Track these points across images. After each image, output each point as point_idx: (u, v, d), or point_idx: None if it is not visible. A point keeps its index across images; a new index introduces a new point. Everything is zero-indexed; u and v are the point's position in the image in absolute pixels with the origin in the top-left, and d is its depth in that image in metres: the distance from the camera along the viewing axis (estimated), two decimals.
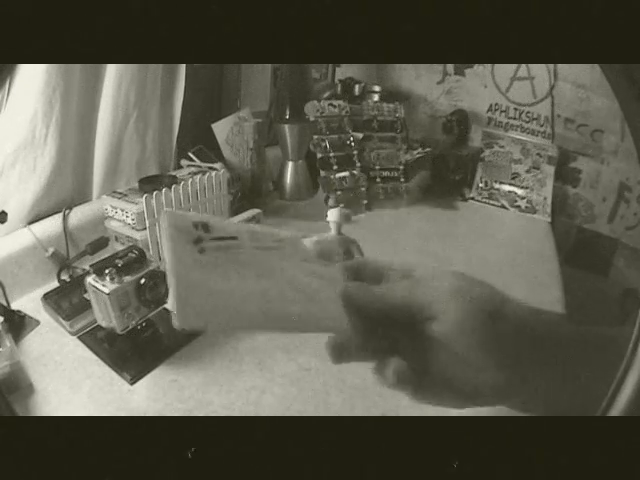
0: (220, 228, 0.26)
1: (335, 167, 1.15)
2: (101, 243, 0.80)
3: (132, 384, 0.61)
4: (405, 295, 0.27)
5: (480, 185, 1.29)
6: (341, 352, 0.29)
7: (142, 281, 0.62)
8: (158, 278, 0.64)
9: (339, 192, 1.15)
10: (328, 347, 0.29)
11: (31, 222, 0.84)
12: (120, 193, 0.91)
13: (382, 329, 0.29)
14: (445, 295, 0.27)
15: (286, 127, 1.16)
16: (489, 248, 1.04)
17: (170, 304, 0.25)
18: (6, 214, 0.79)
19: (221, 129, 1.14)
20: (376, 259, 0.31)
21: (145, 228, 0.83)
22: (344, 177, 1.15)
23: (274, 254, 0.27)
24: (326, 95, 1.31)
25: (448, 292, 0.27)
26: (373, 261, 0.31)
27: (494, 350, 0.26)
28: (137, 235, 0.85)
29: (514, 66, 1.28)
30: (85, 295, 0.67)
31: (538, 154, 1.26)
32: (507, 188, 1.26)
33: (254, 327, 0.27)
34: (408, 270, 0.30)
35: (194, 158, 1.13)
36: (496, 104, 1.33)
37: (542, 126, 1.28)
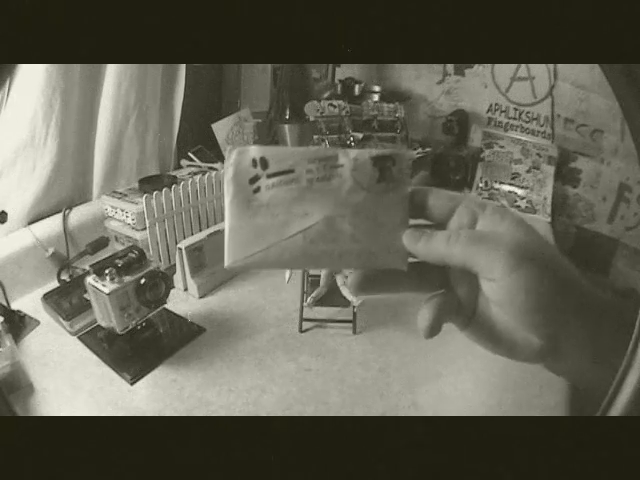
0: (279, 161, 0.26)
1: None
2: (101, 243, 0.81)
3: (132, 384, 0.61)
4: (466, 255, 0.26)
5: (480, 185, 1.29)
6: (368, 284, 0.29)
7: (142, 281, 0.62)
8: (158, 278, 0.65)
9: None
10: (353, 280, 0.28)
11: (31, 222, 0.84)
12: (120, 193, 0.91)
13: (437, 270, 0.28)
14: (508, 263, 0.25)
15: (286, 127, 1.16)
16: None
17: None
18: (6, 214, 0.79)
19: (221, 129, 1.14)
20: (447, 191, 0.29)
21: (145, 228, 0.84)
22: None
23: (326, 186, 0.27)
24: (326, 95, 1.31)
25: (512, 259, 0.25)
26: (444, 194, 0.29)
27: (540, 313, 0.26)
28: (137, 235, 0.85)
29: (514, 66, 1.28)
30: (85, 295, 0.68)
31: (538, 154, 1.26)
32: (507, 188, 1.26)
33: (297, 266, 0.28)
34: (479, 207, 0.28)
35: (194, 158, 1.13)
36: (496, 104, 1.33)
37: (542, 126, 1.28)
